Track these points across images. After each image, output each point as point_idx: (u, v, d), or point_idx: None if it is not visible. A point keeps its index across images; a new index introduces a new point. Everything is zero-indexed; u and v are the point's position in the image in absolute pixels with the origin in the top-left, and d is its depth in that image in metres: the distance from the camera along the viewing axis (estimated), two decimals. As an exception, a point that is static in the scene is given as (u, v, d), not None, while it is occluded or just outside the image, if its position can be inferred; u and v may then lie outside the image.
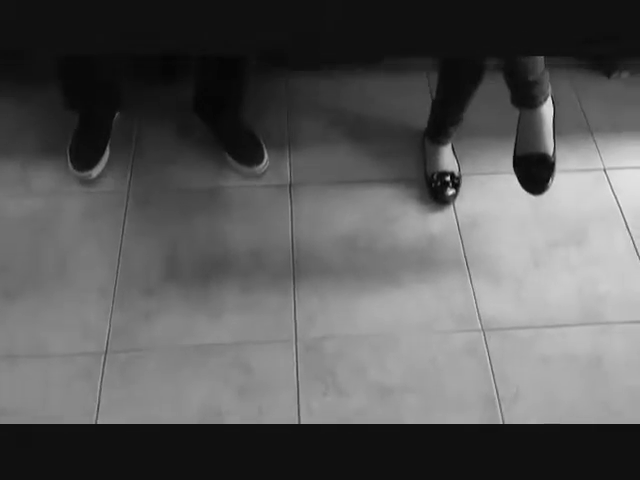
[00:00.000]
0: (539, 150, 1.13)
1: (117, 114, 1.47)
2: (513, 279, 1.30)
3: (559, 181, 1.17)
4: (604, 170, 1.46)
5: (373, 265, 1.32)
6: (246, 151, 1.43)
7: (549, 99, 1.11)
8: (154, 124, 1.53)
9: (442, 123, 1.35)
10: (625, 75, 1.60)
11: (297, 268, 1.31)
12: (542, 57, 1.07)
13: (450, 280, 1.30)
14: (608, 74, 1.61)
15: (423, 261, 1.33)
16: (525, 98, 1.09)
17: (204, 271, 1.30)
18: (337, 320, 1.24)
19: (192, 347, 1.20)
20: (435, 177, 1.39)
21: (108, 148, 1.44)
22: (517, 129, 1.16)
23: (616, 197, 1.43)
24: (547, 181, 1.13)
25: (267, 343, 1.21)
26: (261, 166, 1.43)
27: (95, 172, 1.40)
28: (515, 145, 1.16)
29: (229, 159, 1.44)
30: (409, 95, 1.59)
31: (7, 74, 1.51)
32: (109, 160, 1.44)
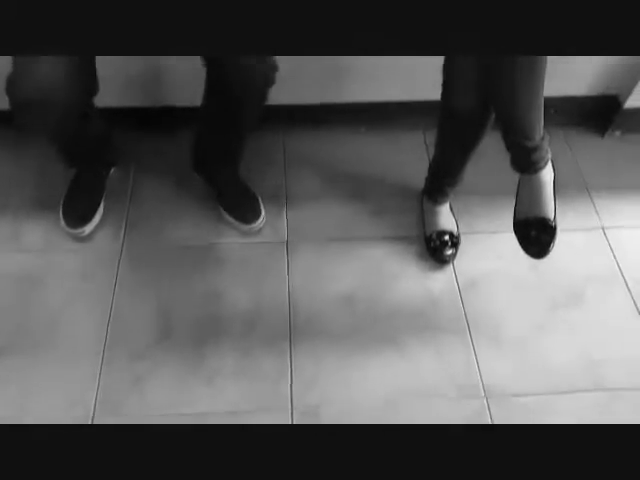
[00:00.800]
0: (539, 215, 1.12)
1: (113, 169, 1.45)
2: (515, 342, 1.27)
3: (558, 240, 1.16)
4: (602, 229, 1.46)
5: (372, 327, 1.29)
6: (243, 208, 1.41)
7: (549, 164, 1.11)
8: (150, 178, 1.52)
9: (440, 184, 1.35)
10: (618, 133, 1.62)
11: (294, 329, 1.27)
12: (541, 121, 1.07)
13: (451, 343, 1.27)
14: (602, 133, 1.63)
15: (423, 323, 1.30)
16: (525, 164, 1.09)
17: (197, 333, 1.26)
18: (334, 386, 1.20)
19: (183, 416, 1.15)
20: (434, 236, 1.38)
21: (102, 204, 1.41)
22: (517, 192, 1.15)
23: (615, 256, 1.42)
24: (548, 246, 1.12)
25: (262, 411, 1.16)
26: (257, 223, 1.41)
27: (88, 229, 1.37)
28: (515, 208, 1.16)
29: (225, 216, 1.42)
30: (406, 153, 1.59)
31: (2, 125, 1.50)
32: (103, 215, 1.42)
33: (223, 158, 1.37)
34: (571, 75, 1.50)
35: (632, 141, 1.63)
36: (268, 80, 1.08)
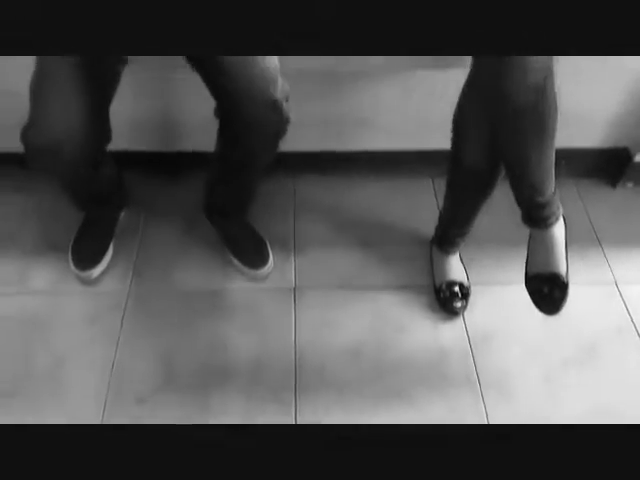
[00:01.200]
0: (551, 271, 1.10)
1: (123, 212, 1.46)
2: (526, 397, 1.24)
3: (570, 293, 1.14)
4: (615, 283, 1.43)
5: (380, 378, 1.26)
6: (251, 253, 1.41)
7: (561, 219, 1.10)
8: (160, 221, 1.52)
9: (449, 235, 1.34)
10: (630, 185, 1.62)
11: (299, 380, 1.25)
12: (552, 177, 1.07)
13: (461, 397, 1.23)
14: (613, 184, 1.62)
15: (433, 376, 1.27)
16: (536, 219, 1.08)
17: (202, 380, 1.24)
18: (341, 441, 1.17)
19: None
20: (444, 287, 1.36)
21: (112, 247, 1.42)
22: (528, 247, 1.14)
23: (629, 311, 1.39)
24: (560, 303, 1.10)
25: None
26: (265, 269, 1.40)
27: (96, 272, 1.37)
28: (526, 263, 1.14)
29: (233, 260, 1.42)
30: (415, 200, 1.59)
31: (14, 166, 1.52)
32: (111, 258, 1.42)
33: (233, 204, 1.37)
34: (582, 127, 1.51)
35: (644, 194, 1.62)
36: (280, 132, 1.09)
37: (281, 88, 1.05)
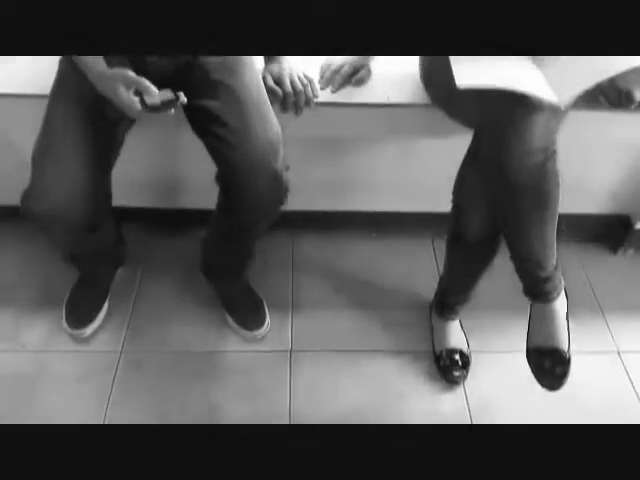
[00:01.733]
0: (553, 345, 1.08)
1: (120, 269, 1.44)
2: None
3: (572, 363, 1.11)
4: (618, 353, 1.41)
5: (376, 450, 1.22)
6: (247, 314, 1.39)
7: (562, 293, 1.09)
8: (157, 279, 1.50)
9: (449, 302, 1.32)
10: (631, 252, 1.61)
11: (293, 450, 1.21)
12: (554, 252, 1.06)
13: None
14: (614, 250, 1.61)
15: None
16: (537, 293, 1.07)
17: (192, 448, 1.20)
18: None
19: None
20: (444, 354, 1.33)
21: (106, 305, 1.39)
22: (529, 319, 1.12)
23: (632, 381, 1.36)
24: (562, 378, 1.07)
25: None
26: (262, 330, 1.38)
27: (89, 330, 1.35)
28: (528, 336, 1.12)
29: (230, 321, 1.39)
30: (415, 261, 1.58)
31: (9, 221, 1.51)
32: (106, 316, 1.40)
33: (231, 265, 1.36)
34: (582, 194, 1.51)
35: (645, 260, 1.61)
36: (280, 202, 1.09)
37: (282, 159, 1.06)
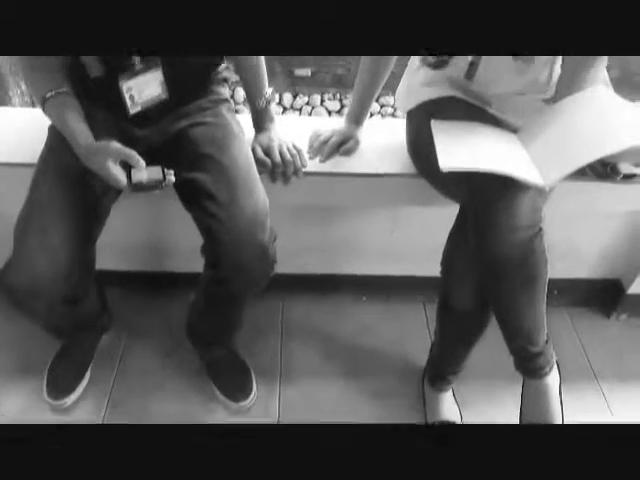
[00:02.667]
0: (546, 421, 1.05)
1: (104, 336, 1.41)
2: None
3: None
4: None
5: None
6: (233, 384, 1.34)
7: (555, 367, 1.07)
8: (141, 346, 1.47)
9: (441, 372, 1.29)
10: (624, 317, 1.59)
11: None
12: (544, 326, 1.04)
13: None
14: (607, 314, 1.60)
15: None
16: (530, 368, 1.04)
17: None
18: None
19: None
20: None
21: (89, 372, 1.35)
22: (522, 395, 1.09)
23: (631, 455, 1.31)
24: (558, 457, 1.04)
25: None
26: (248, 401, 1.33)
27: (70, 400, 1.30)
28: (520, 412, 1.09)
29: (215, 391, 1.35)
30: (406, 326, 1.55)
31: None
32: (88, 384, 1.35)
33: (217, 332, 1.33)
34: (573, 259, 1.51)
35: (638, 326, 1.59)
36: (266, 274, 1.08)
37: (269, 230, 1.05)
